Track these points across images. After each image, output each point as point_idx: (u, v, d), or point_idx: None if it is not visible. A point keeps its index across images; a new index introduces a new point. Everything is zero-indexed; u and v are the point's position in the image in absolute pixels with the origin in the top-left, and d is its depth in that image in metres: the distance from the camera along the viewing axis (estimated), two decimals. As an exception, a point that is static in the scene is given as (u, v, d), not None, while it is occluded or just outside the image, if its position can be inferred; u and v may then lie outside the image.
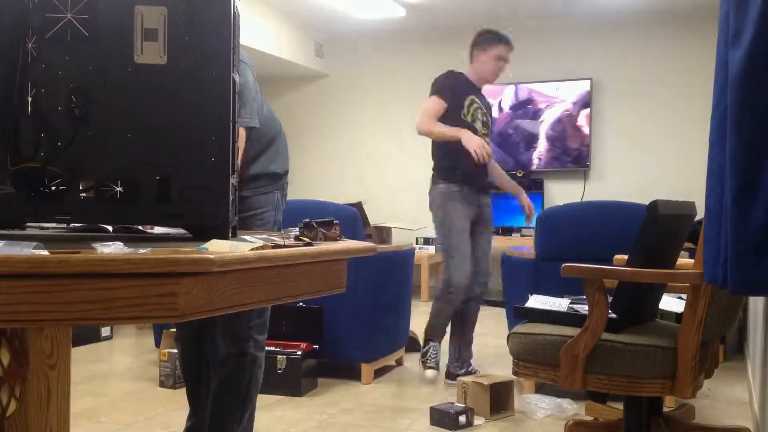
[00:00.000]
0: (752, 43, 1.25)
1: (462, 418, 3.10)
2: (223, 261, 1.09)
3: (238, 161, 2.14)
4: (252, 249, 1.20)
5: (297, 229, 1.59)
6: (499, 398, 3.31)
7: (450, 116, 3.84)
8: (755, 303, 3.63)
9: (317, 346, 3.79)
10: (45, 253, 1.06)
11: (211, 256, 1.06)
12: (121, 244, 1.15)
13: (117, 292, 1.04)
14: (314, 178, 8.09)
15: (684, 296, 2.40)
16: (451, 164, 3.87)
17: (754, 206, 1.26)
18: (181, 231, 1.62)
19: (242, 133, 2.33)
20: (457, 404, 3.24)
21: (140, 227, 1.65)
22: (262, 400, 3.47)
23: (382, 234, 4.22)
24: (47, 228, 1.64)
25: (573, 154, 7.17)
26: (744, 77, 1.27)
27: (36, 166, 1.38)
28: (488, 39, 4.06)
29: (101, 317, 1.05)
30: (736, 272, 1.29)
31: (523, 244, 6.91)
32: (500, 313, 6.22)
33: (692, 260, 2.30)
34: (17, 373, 1.23)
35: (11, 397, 1.22)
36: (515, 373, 2.45)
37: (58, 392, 1.29)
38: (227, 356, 2.44)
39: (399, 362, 4.33)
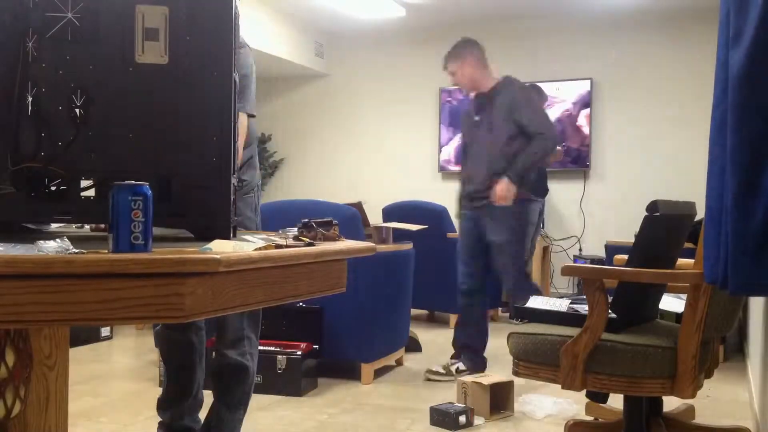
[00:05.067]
0: (752, 43, 1.25)
1: (462, 418, 3.10)
2: (229, 261, 1.09)
3: (240, 149, 2.15)
4: (255, 249, 1.20)
5: (296, 229, 1.59)
6: (499, 398, 3.31)
7: None
8: (755, 303, 3.63)
9: (317, 346, 3.79)
10: (73, 250, 1.07)
11: (218, 256, 1.06)
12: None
13: (123, 293, 1.04)
14: (314, 178, 8.09)
15: (684, 296, 2.40)
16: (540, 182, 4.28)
17: (755, 206, 1.26)
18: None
19: (243, 120, 2.29)
20: (457, 404, 3.24)
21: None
22: (263, 400, 3.47)
23: (382, 234, 4.22)
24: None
25: (573, 154, 7.17)
26: (744, 77, 1.27)
27: (36, 166, 1.38)
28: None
29: (107, 317, 1.05)
30: (736, 272, 1.29)
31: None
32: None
33: (692, 260, 2.30)
34: (21, 373, 1.23)
35: (16, 397, 1.22)
36: (515, 373, 2.45)
37: (56, 392, 1.29)
38: (226, 359, 2.48)
39: (399, 362, 4.33)
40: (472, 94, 4.10)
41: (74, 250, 1.08)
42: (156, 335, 2.64)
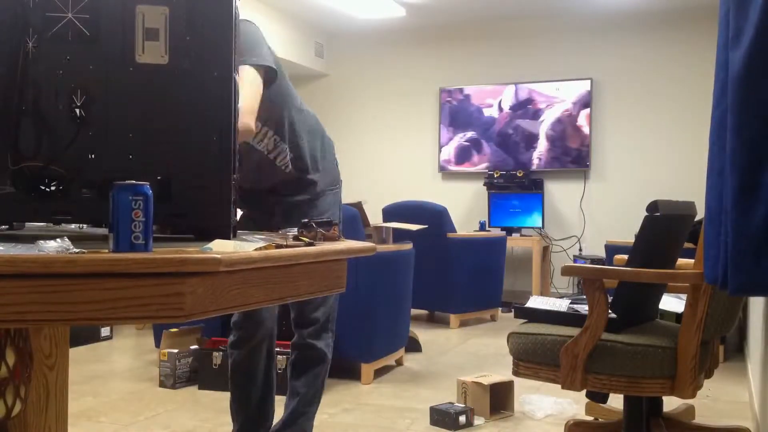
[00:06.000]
0: (752, 43, 1.25)
1: (462, 418, 3.10)
2: (230, 261, 1.09)
3: (251, 115, 2.12)
4: (256, 249, 1.20)
5: (296, 229, 1.59)
6: (499, 398, 3.31)
7: None
8: (755, 303, 3.63)
9: (317, 346, 3.79)
10: (74, 250, 1.06)
11: (218, 256, 1.06)
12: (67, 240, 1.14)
13: (124, 292, 1.04)
14: (314, 178, 8.09)
15: (684, 296, 2.40)
16: None
17: (755, 206, 1.26)
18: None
19: (249, 75, 2.16)
20: (457, 404, 3.24)
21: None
22: (262, 400, 3.47)
23: (382, 234, 4.22)
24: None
25: (573, 154, 7.17)
26: (744, 78, 1.27)
27: (36, 166, 1.38)
28: None
29: (108, 317, 1.05)
30: (736, 272, 1.29)
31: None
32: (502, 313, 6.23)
33: (692, 260, 2.30)
34: (21, 373, 1.23)
35: (16, 397, 1.22)
36: (515, 373, 2.45)
37: (56, 392, 1.30)
38: (311, 347, 2.53)
39: (399, 362, 4.33)
40: None
41: (75, 249, 1.08)
42: (234, 372, 2.56)
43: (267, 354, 2.59)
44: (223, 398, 3.54)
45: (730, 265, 1.30)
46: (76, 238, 1.26)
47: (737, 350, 4.76)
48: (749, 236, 1.26)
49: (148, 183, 1.16)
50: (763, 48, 1.24)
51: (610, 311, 2.24)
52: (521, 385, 3.46)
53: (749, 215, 1.26)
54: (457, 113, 7.58)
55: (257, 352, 2.55)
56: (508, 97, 7.38)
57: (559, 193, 7.25)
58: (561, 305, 2.54)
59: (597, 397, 2.51)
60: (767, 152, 1.25)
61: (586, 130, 7.12)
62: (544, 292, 6.80)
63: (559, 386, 2.28)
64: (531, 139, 7.29)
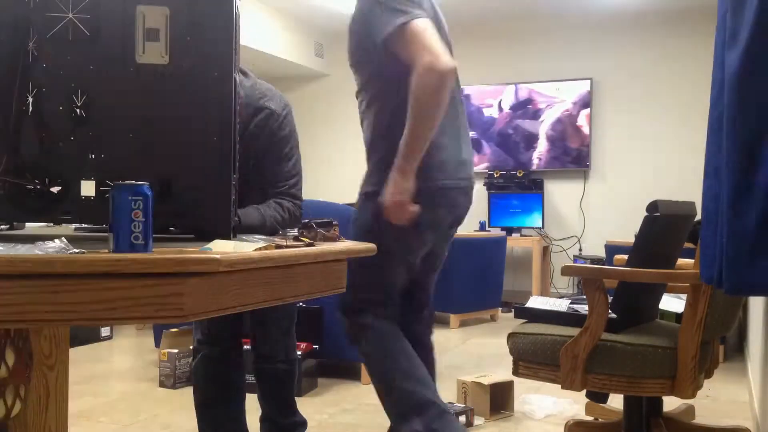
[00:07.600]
0: (749, 43, 1.25)
1: (462, 418, 3.10)
2: (230, 261, 1.09)
3: None
4: (256, 249, 1.21)
5: (296, 229, 1.59)
6: (499, 398, 3.31)
7: None
8: (755, 303, 3.63)
9: (317, 346, 3.79)
10: (74, 250, 1.06)
11: (218, 257, 1.06)
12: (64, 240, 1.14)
13: (123, 292, 1.04)
14: (314, 178, 8.09)
15: (684, 296, 2.41)
16: None
17: (750, 207, 1.26)
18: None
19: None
20: (457, 404, 3.24)
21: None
22: (262, 400, 3.47)
23: (382, 234, 4.22)
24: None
25: (573, 154, 7.17)
26: (740, 78, 1.27)
27: (36, 166, 1.39)
28: None
29: (108, 317, 1.05)
30: (731, 272, 1.29)
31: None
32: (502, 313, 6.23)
33: (692, 260, 2.30)
34: (21, 374, 1.23)
35: (16, 397, 1.22)
36: (515, 373, 2.45)
37: (56, 392, 1.30)
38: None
39: (399, 362, 4.32)
40: None
41: (74, 250, 1.08)
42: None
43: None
44: (223, 398, 3.54)
45: (725, 265, 1.30)
46: (75, 239, 1.27)
47: (737, 350, 4.76)
48: (744, 236, 1.26)
49: (148, 183, 1.16)
50: (759, 48, 1.24)
51: (610, 311, 2.25)
52: (521, 385, 3.46)
53: (744, 215, 1.26)
54: (457, 113, 7.57)
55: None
56: (508, 97, 7.38)
57: (559, 193, 7.25)
58: (561, 305, 2.54)
59: (597, 397, 2.51)
60: (762, 153, 1.25)
61: (586, 130, 7.12)
62: (544, 292, 6.80)
63: (559, 386, 2.28)
64: (531, 139, 7.29)
